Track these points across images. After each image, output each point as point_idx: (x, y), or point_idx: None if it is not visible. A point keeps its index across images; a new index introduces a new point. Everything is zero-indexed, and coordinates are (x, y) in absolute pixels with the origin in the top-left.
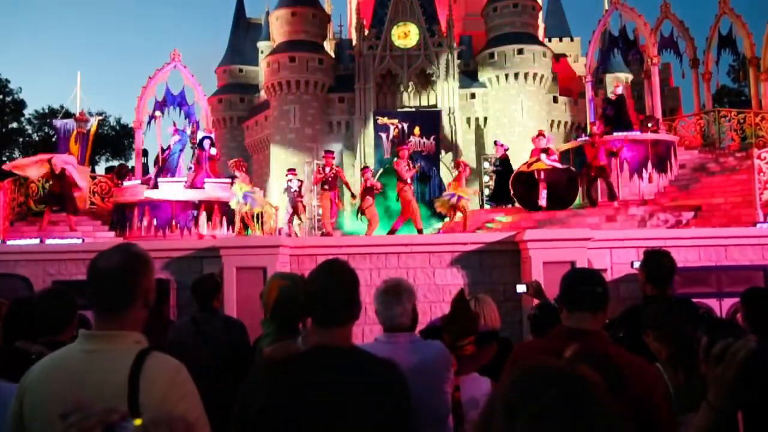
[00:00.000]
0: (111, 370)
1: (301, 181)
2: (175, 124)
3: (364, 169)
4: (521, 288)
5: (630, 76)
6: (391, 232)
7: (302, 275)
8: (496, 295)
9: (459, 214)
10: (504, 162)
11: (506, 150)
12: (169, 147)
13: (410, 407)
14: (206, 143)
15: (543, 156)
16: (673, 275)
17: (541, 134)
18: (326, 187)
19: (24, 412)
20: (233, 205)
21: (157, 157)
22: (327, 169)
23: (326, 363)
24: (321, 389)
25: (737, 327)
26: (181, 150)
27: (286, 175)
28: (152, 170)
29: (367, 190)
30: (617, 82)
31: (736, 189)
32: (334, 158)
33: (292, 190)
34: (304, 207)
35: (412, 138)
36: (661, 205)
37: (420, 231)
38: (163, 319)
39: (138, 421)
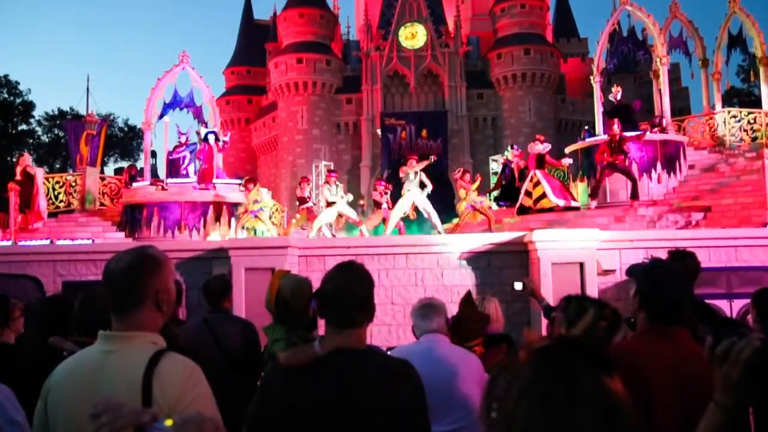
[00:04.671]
0: (125, 370)
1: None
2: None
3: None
4: (518, 285)
5: (639, 76)
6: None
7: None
8: (503, 296)
9: (480, 216)
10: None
11: (520, 155)
12: (176, 149)
13: (426, 405)
14: (211, 138)
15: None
16: (696, 276)
17: (538, 140)
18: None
19: (48, 412)
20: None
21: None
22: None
23: (345, 365)
24: (342, 392)
25: (743, 326)
26: (192, 152)
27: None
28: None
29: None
30: (616, 86)
31: (746, 189)
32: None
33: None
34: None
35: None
36: (670, 206)
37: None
38: (177, 321)
39: (169, 422)
